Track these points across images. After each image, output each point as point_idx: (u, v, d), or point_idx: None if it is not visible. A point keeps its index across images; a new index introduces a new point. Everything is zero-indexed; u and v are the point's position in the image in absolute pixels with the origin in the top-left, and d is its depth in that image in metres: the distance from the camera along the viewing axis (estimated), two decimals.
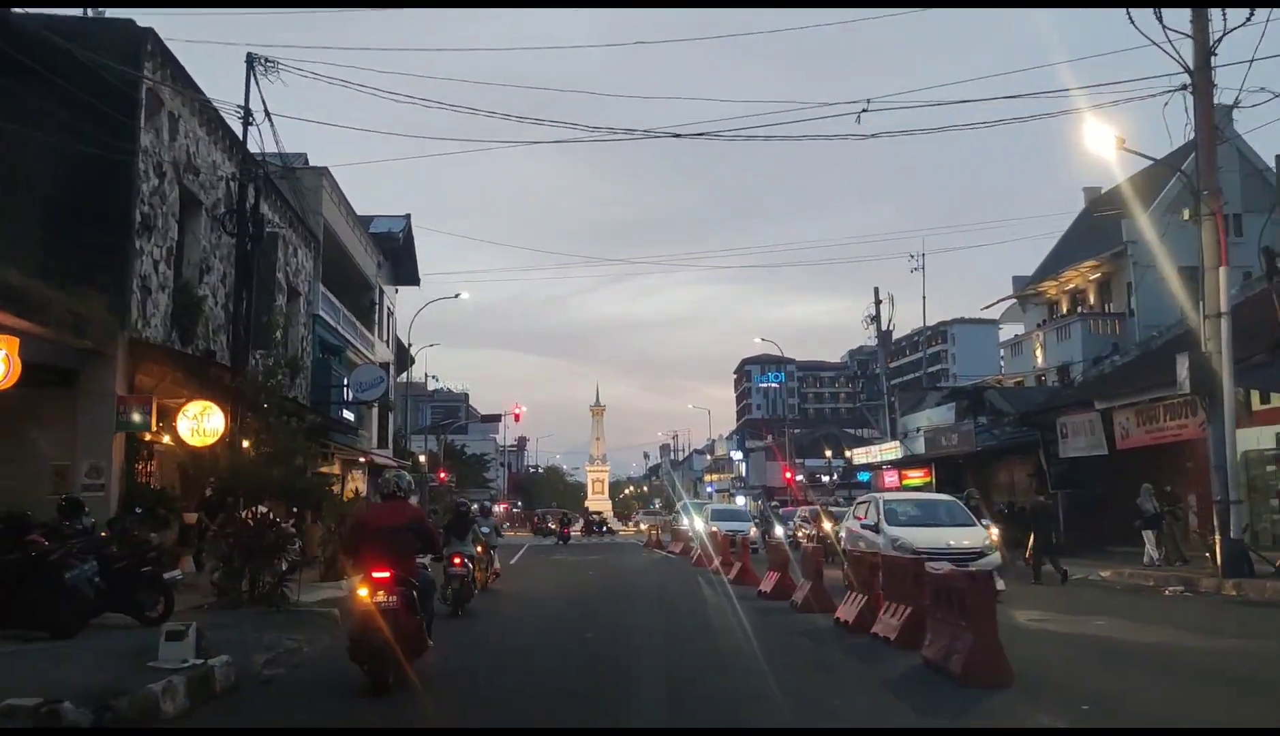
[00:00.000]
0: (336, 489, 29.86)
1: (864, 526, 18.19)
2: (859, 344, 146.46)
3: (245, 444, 15.21)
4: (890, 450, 38.60)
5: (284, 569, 13.38)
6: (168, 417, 16.05)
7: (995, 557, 16.49)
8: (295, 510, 23.49)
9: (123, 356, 15.29)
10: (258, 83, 16.25)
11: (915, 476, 36.87)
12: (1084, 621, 12.66)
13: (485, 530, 18.28)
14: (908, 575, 10.02)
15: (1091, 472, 24.46)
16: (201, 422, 15.63)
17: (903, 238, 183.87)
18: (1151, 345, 26.30)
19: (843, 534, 19.77)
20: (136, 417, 14.95)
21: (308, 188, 28.66)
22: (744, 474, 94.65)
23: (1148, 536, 20.23)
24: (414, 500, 12.07)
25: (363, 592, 8.11)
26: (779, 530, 27.81)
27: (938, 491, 31.08)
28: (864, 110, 16.95)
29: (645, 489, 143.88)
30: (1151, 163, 21.32)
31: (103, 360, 14.88)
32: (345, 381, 28.30)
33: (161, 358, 16.17)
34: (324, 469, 29.30)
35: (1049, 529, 20.27)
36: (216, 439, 15.47)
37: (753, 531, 28.27)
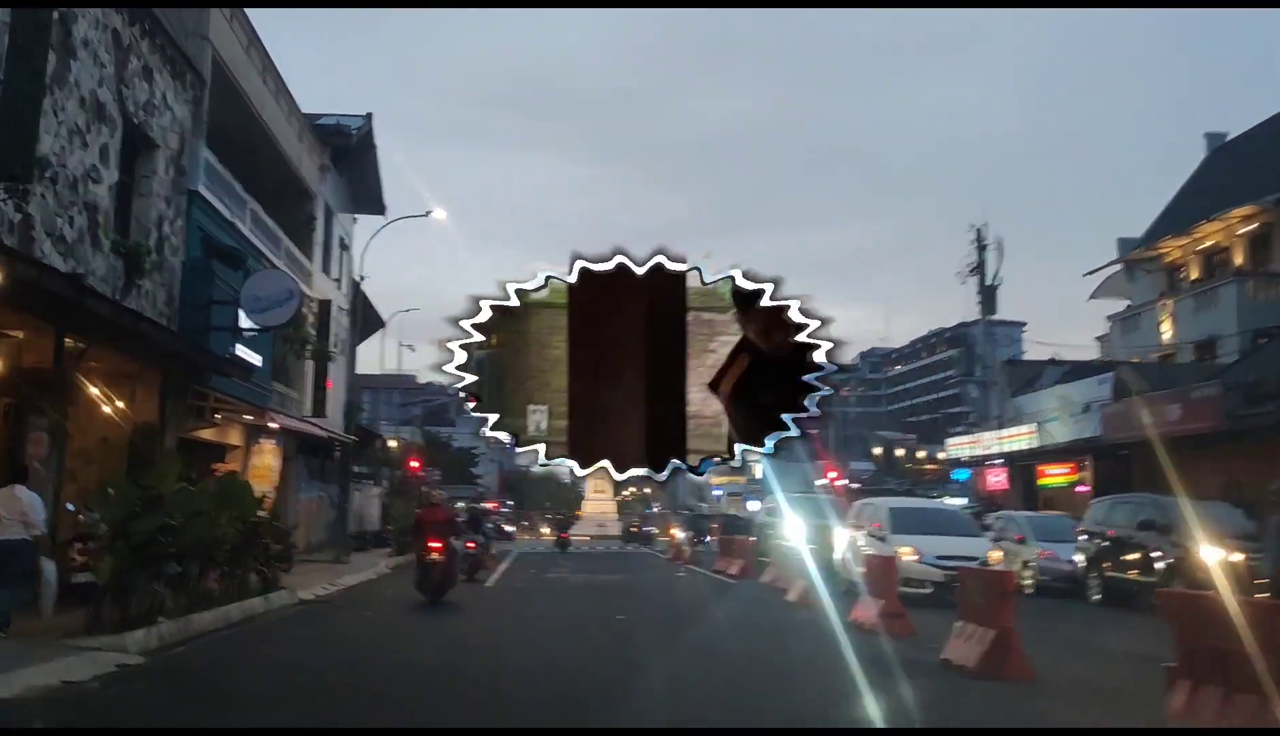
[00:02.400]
0: (250, 471, 19.38)
1: None
2: (870, 346, 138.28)
3: None
4: (1017, 437, 27.83)
5: None
6: None
7: None
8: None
9: None
10: None
11: (1057, 474, 26.47)
12: None
13: (490, 526, 28.88)
14: None
15: None
16: None
17: (908, 248, 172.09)
18: None
19: None
20: None
21: None
22: (760, 476, 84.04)
23: None
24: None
25: (424, 554, 15.11)
26: None
27: (1101, 494, 20.90)
28: None
29: (647, 490, 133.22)
30: None
31: None
32: (238, 296, 17.83)
33: None
34: (200, 431, 19.01)
35: None
36: None
37: (994, 555, 15.80)
